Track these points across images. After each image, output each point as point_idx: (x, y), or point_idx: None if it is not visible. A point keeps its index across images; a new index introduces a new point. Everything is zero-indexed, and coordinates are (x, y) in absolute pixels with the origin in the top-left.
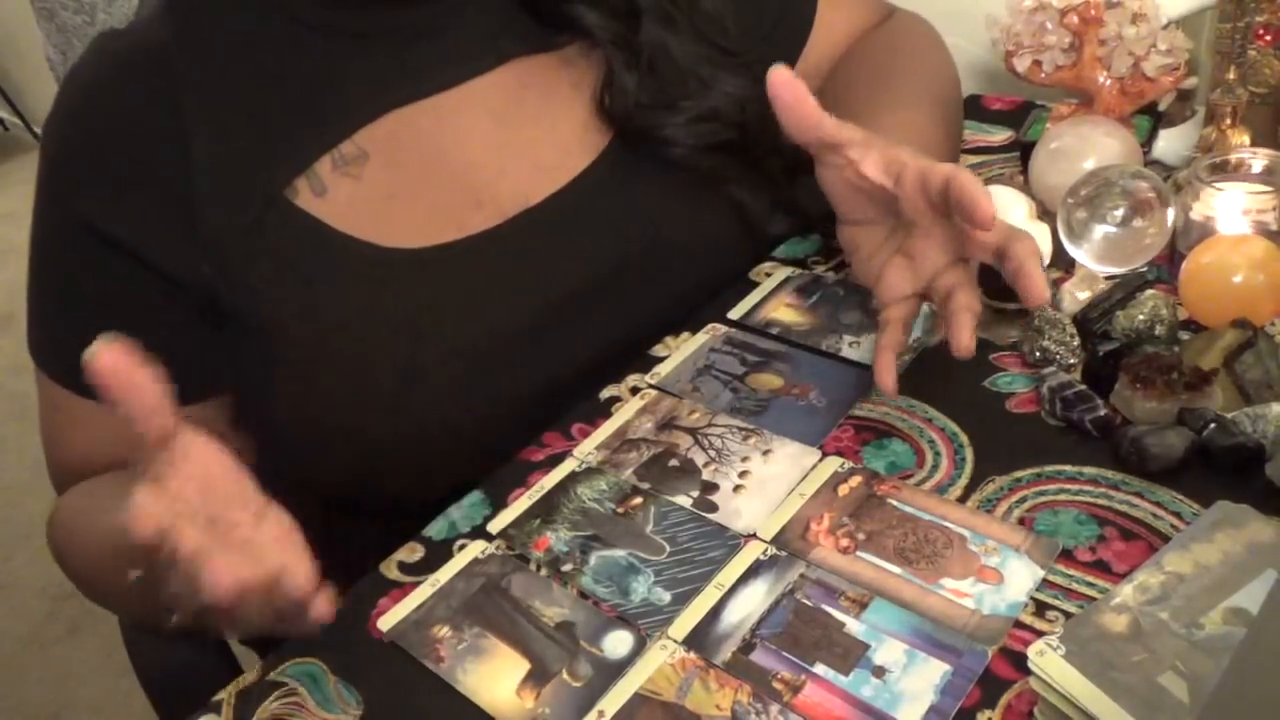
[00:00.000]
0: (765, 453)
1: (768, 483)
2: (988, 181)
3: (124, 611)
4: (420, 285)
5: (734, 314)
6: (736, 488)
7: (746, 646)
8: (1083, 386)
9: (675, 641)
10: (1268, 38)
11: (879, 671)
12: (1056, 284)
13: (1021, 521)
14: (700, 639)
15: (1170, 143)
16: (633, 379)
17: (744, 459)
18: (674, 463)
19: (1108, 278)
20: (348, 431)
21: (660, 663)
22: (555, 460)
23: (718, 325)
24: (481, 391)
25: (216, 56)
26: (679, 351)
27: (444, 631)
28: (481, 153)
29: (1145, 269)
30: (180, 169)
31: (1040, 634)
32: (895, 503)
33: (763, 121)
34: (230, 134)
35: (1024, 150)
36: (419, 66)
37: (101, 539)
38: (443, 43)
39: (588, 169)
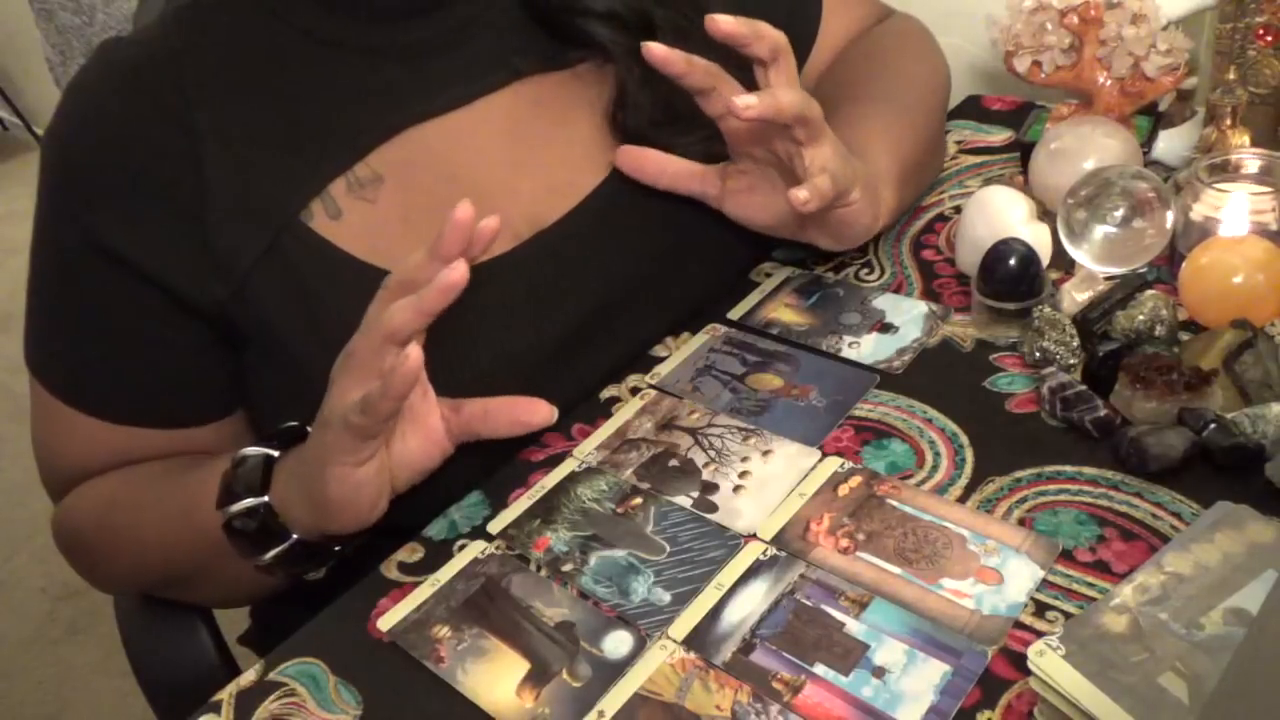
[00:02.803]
0: (765, 453)
1: (768, 483)
2: (987, 182)
3: (174, 576)
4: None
5: (734, 314)
6: (736, 488)
7: (746, 647)
8: (1083, 387)
9: (675, 642)
10: (1268, 38)
11: (879, 672)
12: (1056, 284)
13: (1021, 522)
14: (700, 639)
15: (1170, 143)
16: (633, 379)
17: (744, 459)
18: (674, 463)
19: (1108, 278)
20: None
21: (660, 663)
22: (555, 460)
23: (718, 325)
24: None
25: (228, 73)
26: (679, 352)
27: (444, 631)
28: (495, 174)
29: (1145, 269)
30: (193, 188)
31: (1040, 634)
32: (895, 503)
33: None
34: (243, 153)
35: (1024, 151)
36: (432, 83)
37: (174, 496)
38: (455, 58)
39: (599, 187)
